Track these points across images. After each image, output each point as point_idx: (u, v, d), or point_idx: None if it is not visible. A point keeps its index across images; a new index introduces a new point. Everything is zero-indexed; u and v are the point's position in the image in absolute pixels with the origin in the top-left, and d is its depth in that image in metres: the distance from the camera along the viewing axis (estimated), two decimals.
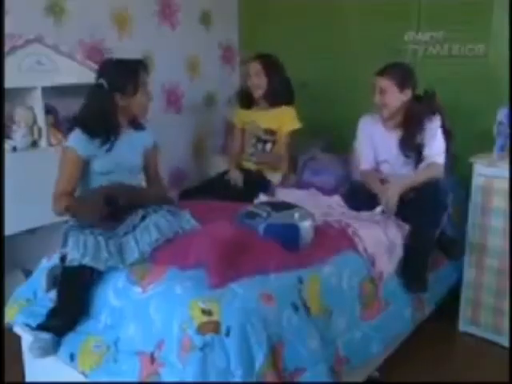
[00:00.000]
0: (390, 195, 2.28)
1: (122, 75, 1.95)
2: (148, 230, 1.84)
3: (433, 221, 2.25)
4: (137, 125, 2.08)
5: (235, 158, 2.96)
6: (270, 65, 2.80)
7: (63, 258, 1.79)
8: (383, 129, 2.48)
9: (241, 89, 2.99)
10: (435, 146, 2.36)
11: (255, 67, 2.81)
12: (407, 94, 2.36)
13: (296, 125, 2.83)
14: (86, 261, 1.74)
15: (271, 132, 2.83)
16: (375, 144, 2.52)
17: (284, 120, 2.81)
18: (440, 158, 2.36)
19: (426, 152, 2.36)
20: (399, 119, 2.42)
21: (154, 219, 1.88)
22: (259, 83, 2.80)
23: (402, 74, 2.37)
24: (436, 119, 2.38)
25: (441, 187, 2.30)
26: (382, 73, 2.37)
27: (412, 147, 2.39)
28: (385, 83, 2.35)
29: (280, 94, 2.81)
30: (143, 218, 1.89)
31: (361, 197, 2.42)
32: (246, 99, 2.96)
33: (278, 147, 2.84)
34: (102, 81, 1.92)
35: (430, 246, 2.29)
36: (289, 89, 2.87)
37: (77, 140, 1.92)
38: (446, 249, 2.46)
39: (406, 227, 2.24)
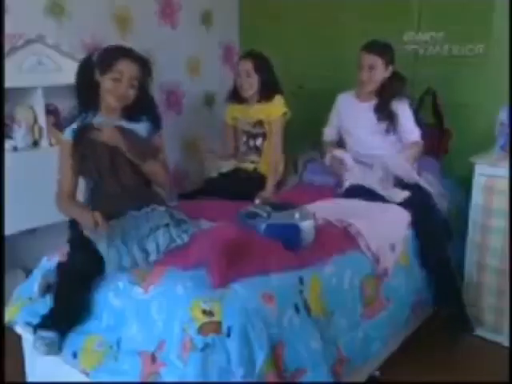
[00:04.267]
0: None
1: (107, 53, 1.96)
2: (157, 243, 1.82)
3: (442, 250, 2.30)
4: (131, 116, 2.03)
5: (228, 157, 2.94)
6: (261, 63, 2.75)
7: (59, 265, 1.80)
8: (356, 100, 2.60)
9: (233, 87, 2.88)
10: (409, 122, 2.51)
11: (246, 65, 2.75)
12: (389, 71, 2.49)
13: (283, 109, 2.75)
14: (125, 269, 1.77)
15: (260, 124, 2.79)
16: (348, 116, 2.63)
17: (271, 109, 2.76)
18: (418, 135, 2.52)
19: (403, 128, 2.50)
20: (373, 91, 2.54)
21: (163, 232, 1.85)
22: (250, 83, 2.75)
23: (388, 51, 2.48)
24: (405, 100, 2.52)
25: (439, 216, 2.38)
26: (371, 49, 2.45)
27: (386, 113, 2.49)
28: (374, 59, 2.44)
29: (270, 91, 2.76)
30: (152, 229, 1.85)
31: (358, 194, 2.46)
32: (237, 96, 2.88)
33: (268, 141, 2.79)
34: (94, 53, 1.96)
35: (450, 274, 2.32)
36: (278, 86, 2.82)
37: (70, 131, 1.92)
38: None
39: (409, 216, 2.29)
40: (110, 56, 1.95)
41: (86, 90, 1.97)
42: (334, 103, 2.76)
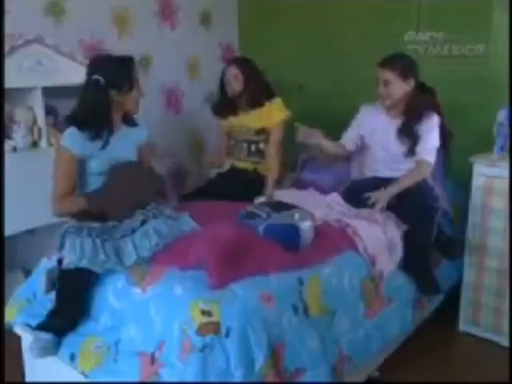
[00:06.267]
0: (381, 199, 2.29)
1: (118, 72, 1.93)
2: (148, 236, 1.83)
3: (425, 225, 2.26)
4: (129, 121, 2.05)
5: (213, 156, 3.01)
6: (247, 68, 2.72)
7: (60, 261, 1.79)
8: (385, 117, 2.48)
9: (220, 98, 2.84)
10: (429, 142, 2.36)
11: (232, 71, 2.72)
12: (410, 84, 2.37)
13: (284, 114, 2.74)
14: (83, 264, 1.74)
15: (262, 131, 2.77)
16: (376, 133, 2.51)
17: (272, 114, 2.74)
18: (430, 156, 2.36)
19: (420, 147, 2.36)
20: (402, 108, 2.42)
21: (154, 224, 1.87)
22: (237, 84, 2.71)
23: (404, 64, 2.37)
24: (434, 116, 2.38)
25: (427, 192, 2.31)
26: (384, 64, 2.37)
27: (409, 135, 2.38)
28: (388, 75, 2.34)
29: (260, 94, 2.74)
30: (143, 222, 1.88)
31: (360, 195, 2.40)
32: (226, 108, 2.84)
33: (269, 145, 2.78)
34: (97, 77, 1.88)
35: (426, 250, 2.28)
36: (268, 88, 2.80)
37: (71, 139, 1.89)
38: (444, 248, 2.45)
39: (404, 226, 2.24)
40: (128, 70, 1.95)
41: (103, 114, 1.93)
42: (356, 113, 2.61)
